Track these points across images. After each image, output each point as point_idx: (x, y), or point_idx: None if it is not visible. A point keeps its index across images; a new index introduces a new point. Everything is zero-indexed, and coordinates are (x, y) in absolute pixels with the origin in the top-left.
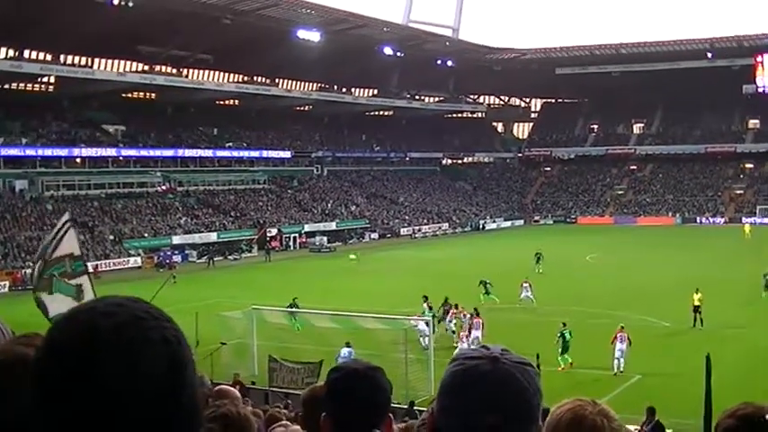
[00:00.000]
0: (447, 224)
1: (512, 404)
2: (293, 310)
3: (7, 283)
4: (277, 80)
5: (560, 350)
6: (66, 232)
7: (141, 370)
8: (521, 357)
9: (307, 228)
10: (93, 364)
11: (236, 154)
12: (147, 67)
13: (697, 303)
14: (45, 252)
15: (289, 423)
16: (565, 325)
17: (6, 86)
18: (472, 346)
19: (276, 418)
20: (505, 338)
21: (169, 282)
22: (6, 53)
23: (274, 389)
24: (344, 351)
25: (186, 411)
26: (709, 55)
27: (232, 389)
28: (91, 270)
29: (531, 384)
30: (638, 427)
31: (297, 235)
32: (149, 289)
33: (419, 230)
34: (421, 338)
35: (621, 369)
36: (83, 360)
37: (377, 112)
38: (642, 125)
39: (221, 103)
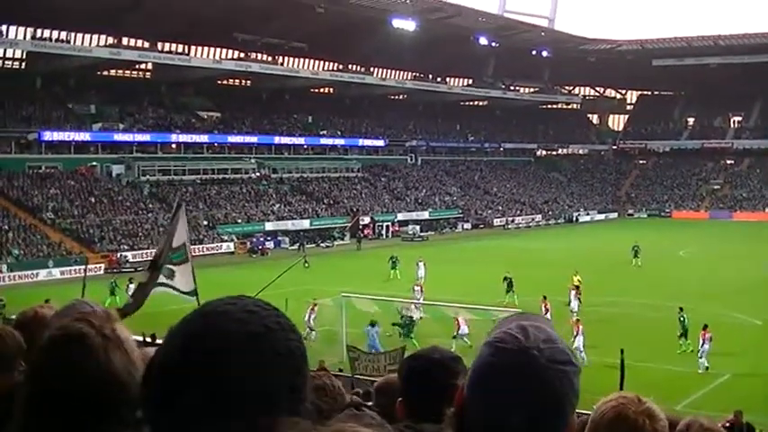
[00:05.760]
0: (540, 215)
1: (539, 405)
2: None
3: (103, 265)
4: (371, 68)
5: (679, 334)
6: (178, 221)
7: (266, 381)
8: (563, 352)
9: (400, 216)
10: (222, 368)
11: (330, 142)
12: (242, 55)
13: (576, 284)
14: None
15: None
16: (682, 309)
17: (105, 73)
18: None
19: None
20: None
21: (300, 265)
22: (105, 41)
23: (359, 376)
24: (371, 330)
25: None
26: None
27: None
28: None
29: (564, 384)
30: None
31: (390, 223)
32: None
33: (512, 221)
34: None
35: None
36: (213, 363)
37: (471, 102)
38: (740, 118)
39: (316, 90)
